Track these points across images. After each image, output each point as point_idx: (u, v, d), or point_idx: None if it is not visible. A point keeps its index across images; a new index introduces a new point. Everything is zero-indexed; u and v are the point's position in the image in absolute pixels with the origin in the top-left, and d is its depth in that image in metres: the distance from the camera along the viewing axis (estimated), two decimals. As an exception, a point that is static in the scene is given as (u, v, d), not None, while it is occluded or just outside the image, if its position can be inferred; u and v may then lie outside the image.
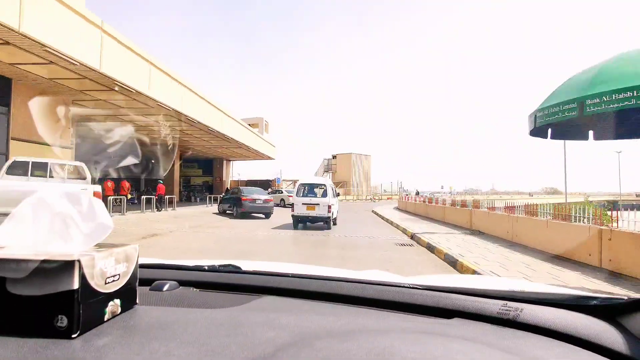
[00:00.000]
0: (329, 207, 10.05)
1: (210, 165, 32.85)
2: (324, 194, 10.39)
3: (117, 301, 0.55)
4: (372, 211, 20.87)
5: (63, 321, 0.47)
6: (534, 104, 6.39)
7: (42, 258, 0.47)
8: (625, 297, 0.58)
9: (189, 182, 33.84)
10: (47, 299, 0.47)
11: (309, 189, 10.72)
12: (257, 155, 30.19)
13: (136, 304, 0.60)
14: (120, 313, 0.56)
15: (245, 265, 0.92)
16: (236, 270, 0.89)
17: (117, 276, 0.55)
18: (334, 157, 53.21)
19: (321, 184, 10.85)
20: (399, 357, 0.40)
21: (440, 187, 58.15)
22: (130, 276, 0.58)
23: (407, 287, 0.72)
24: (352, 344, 0.45)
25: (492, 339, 0.53)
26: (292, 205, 10.57)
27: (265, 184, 33.19)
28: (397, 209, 23.23)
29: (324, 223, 10.26)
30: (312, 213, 10.15)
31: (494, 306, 0.63)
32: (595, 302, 0.60)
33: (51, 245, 0.53)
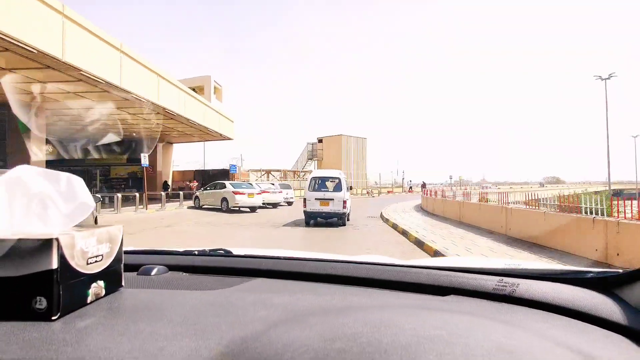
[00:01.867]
0: (344, 202, 9.55)
1: (139, 150, 22.58)
2: (338, 188, 9.80)
3: (101, 283, 0.53)
4: (383, 219, 11.45)
5: (42, 303, 0.45)
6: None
7: (18, 237, 0.45)
8: (621, 270, 0.58)
9: (108, 173, 23.63)
10: (24, 280, 0.45)
11: (321, 183, 10.14)
12: (206, 134, 20.02)
13: (122, 286, 0.58)
14: (105, 295, 0.54)
15: (237, 251, 0.91)
16: (227, 254, 0.88)
17: (100, 257, 0.53)
18: (320, 140, 42.22)
19: (334, 177, 10.21)
20: (397, 328, 0.39)
21: (449, 178, 49.71)
22: (115, 257, 0.56)
23: (402, 267, 0.72)
24: (348, 319, 0.44)
25: (490, 313, 0.53)
26: (304, 201, 9.94)
27: (221, 175, 23.08)
28: (426, 212, 13.78)
29: (338, 219, 9.74)
30: (325, 209, 9.60)
31: (489, 282, 0.63)
32: (591, 275, 0.60)
33: (29, 226, 0.51)
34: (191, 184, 22.49)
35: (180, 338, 0.41)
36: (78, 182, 0.56)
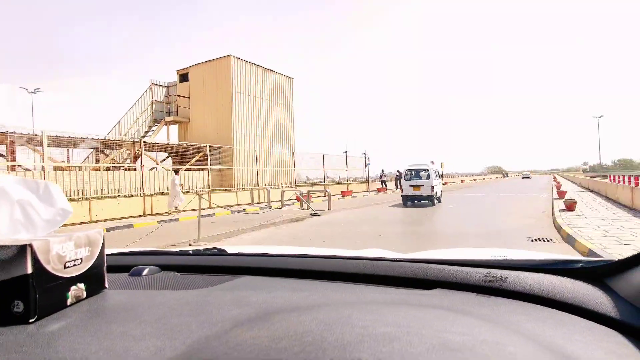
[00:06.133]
0: (432, 187, 12.27)
1: None
2: (427, 177, 12.52)
3: (81, 285, 0.55)
4: None
5: (19, 306, 0.47)
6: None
7: None
8: (615, 259, 0.56)
9: None
10: (2, 285, 0.47)
11: (415, 173, 12.84)
12: None
13: (105, 288, 0.60)
14: (87, 297, 0.56)
15: (231, 249, 0.92)
16: (220, 252, 0.89)
17: (79, 260, 0.55)
18: (183, 77, 19.18)
19: (425, 168, 12.75)
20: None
21: (431, 162, 34.45)
22: (96, 260, 0.58)
23: (389, 261, 0.71)
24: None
25: (470, 307, 0.52)
26: (400, 187, 13.39)
27: None
28: None
29: (429, 201, 12.48)
30: (417, 193, 12.46)
31: (476, 275, 0.62)
32: (580, 265, 0.59)
33: (12, 233, 0.54)
34: None
35: (148, 338, 0.42)
36: (55, 189, 0.58)
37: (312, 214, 10.84)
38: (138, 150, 13.36)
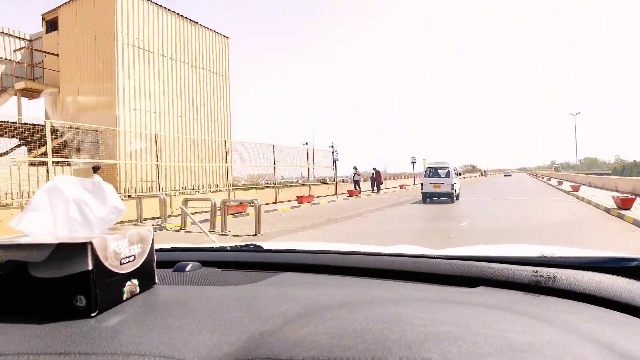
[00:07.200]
0: (452, 185, 12.64)
1: None
2: (447, 175, 12.85)
3: (135, 281, 0.56)
4: None
5: (82, 301, 0.49)
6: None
7: (57, 242, 0.49)
8: None
9: None
10: (66, 281, 0.49)
11: (434, 171, 13.25)
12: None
13: (155, 283, 0.62)
14: (140, 292, 0.57)
15: (268, 245, 0.93)
16: (258, 249, 0.90)
17: (133, 257, 0.56)
18: (51, 23, 11.39)
19: (444, 167, 13.17)
20: (407, 323, 0.39)
21: (412, 162, 29.21)
22: (147, 257, 0.59)
23: (429, 258, 0.71)
24: (361, 313, 0.44)
25: (519, 306, 0.51)
26: (421, 184, 13.45)
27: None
28: None
29: (448, 198, 12.83)
30: (437, 190, 12.79)
31: (523, 273, 0.60)
32: (635, 263, 0.57)
33: (70, 231, 0.55)
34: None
35: (204, 333, 0.44)
36: (108, 188, 0.60)
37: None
38: None
